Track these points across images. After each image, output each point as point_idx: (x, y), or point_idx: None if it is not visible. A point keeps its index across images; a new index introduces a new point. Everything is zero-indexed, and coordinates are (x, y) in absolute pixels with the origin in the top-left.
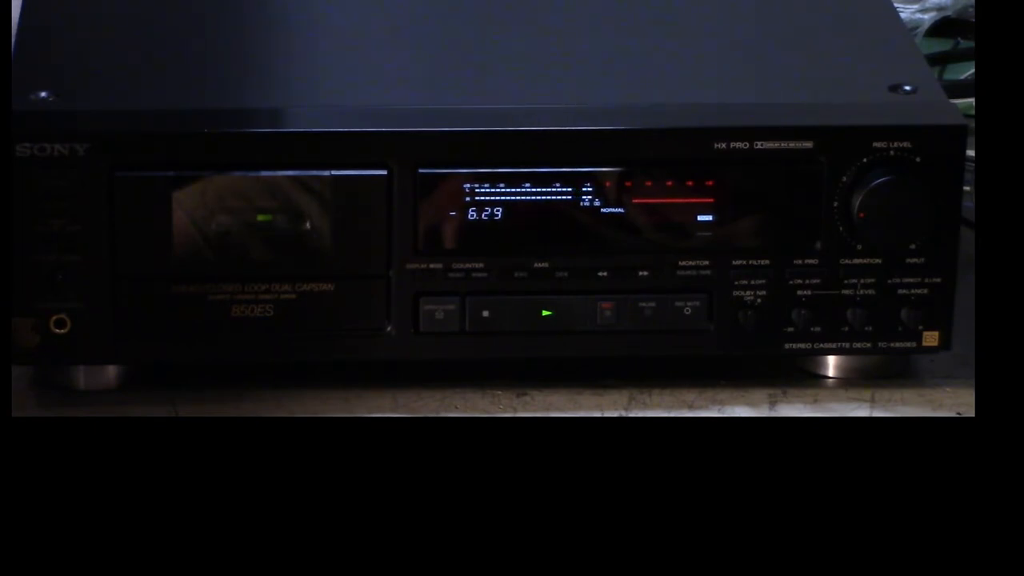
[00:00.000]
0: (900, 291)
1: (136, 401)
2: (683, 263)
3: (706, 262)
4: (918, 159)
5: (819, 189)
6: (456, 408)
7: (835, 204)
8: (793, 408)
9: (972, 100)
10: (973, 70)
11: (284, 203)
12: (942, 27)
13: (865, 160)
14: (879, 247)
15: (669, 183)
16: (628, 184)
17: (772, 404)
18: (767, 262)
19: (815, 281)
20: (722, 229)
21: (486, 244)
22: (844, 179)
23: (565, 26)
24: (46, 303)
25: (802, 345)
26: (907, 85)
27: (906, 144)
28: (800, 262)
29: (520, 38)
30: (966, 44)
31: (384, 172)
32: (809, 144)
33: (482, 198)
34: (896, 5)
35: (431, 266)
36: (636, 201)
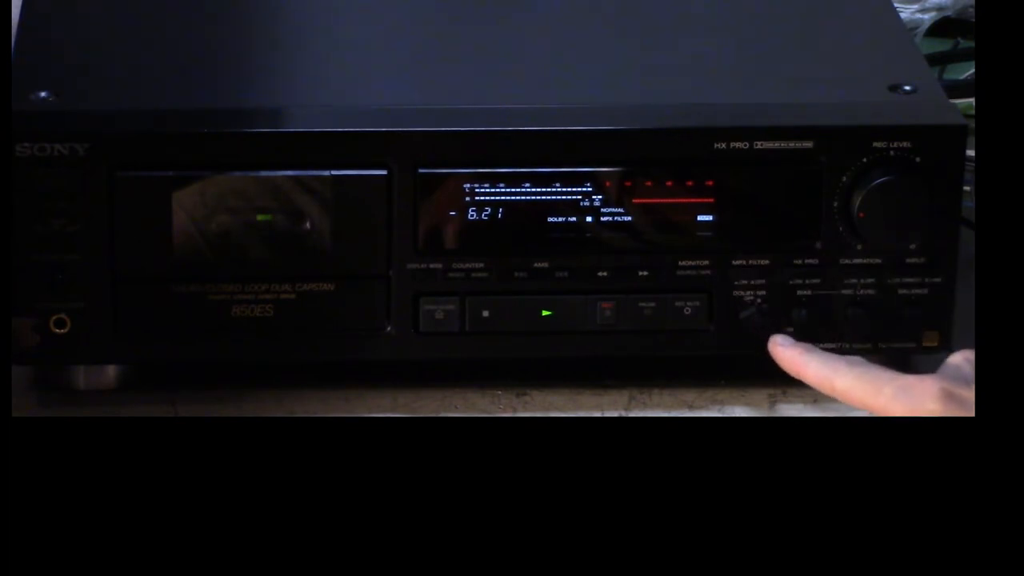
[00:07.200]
0: (900, 291)
1: (136, 401)
2: (683, 263)
3: (706, 262)
4: (918, 159)
5: (819, 189)
6: (456, 408)
7: (835, 204)
8: (793, 408)
9: (972, 100)
10: (973, 70)
11: (284, 203)
12: (942, 27)
13: (865, 160)
14: (879, 247)
15: (669, 183)
16: (628, 184)
17: (772, 404)
18: (767, 262)
19: (815, 281)
20: (722, 229)
21: (486, 244)
22: (844, 179)
23: (565, 26)
24: (46, 303)
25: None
26: (907, 85)
27: (906, 144)
28: (800, 262)
29: (520, 38)
30: (966, 44)
31: (384, 172)
32: (809, 144)
33: (482, 198)
34: (896, 5)
35: (431, 266)
36: (636, 201)
